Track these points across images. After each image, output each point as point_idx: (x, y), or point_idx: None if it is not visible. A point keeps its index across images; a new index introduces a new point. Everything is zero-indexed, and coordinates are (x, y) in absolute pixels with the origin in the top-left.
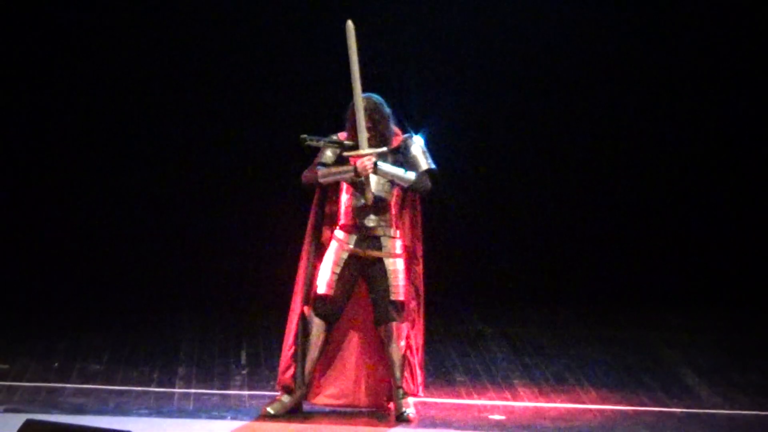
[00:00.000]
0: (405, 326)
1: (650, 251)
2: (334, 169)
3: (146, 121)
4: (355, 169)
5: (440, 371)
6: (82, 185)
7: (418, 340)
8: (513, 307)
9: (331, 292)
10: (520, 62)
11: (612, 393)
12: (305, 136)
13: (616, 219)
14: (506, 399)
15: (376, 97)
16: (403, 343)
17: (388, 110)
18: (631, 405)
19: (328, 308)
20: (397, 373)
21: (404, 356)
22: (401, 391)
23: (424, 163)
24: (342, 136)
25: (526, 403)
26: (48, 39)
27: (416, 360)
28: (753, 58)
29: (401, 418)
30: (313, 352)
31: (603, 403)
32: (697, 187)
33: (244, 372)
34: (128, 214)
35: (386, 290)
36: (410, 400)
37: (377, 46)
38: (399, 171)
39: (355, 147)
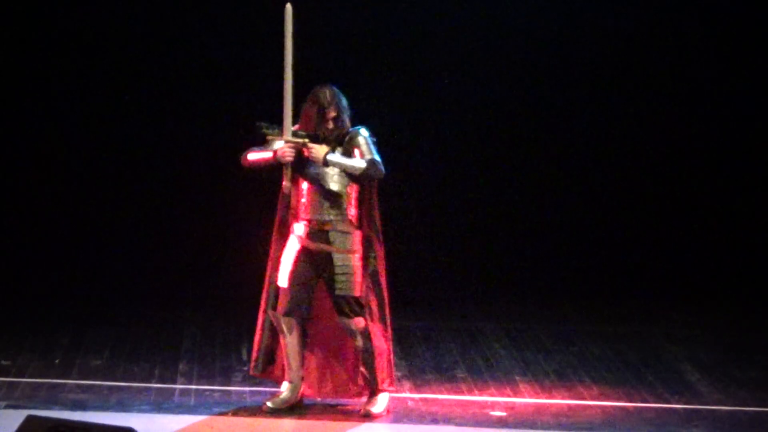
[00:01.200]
0: (361, 320)
1: (651, 246)
2: (260, 153)
3: (146, 117)
4: (275, 153)
5: (441, 367)
6: (84, 182)
7: (378, 334)
8: (514, 302)
9: (288, 285)
10: (507, 47)
11: (613, 389)
12: (261, 123)
13: (618, 214)
14: (507, 395)
15: (335, 87)
16: (360, 337)
17: (345, 101)
18: (633, 401)
19: (288, 302)
20: (360, 369)
21: (363, 352)
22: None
23: (368, 153)
24: (296, 126)
25: (528, 399)
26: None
27: (383, 355)
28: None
29: (364, 414)
30: (293, 348)
31: (604, 399)
32: (698, 182)
33: (245, 368)
34: (129, 210)
35: (334, 286)
36: (380, 396)
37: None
38: (349, 161)
39: (312, 138)
